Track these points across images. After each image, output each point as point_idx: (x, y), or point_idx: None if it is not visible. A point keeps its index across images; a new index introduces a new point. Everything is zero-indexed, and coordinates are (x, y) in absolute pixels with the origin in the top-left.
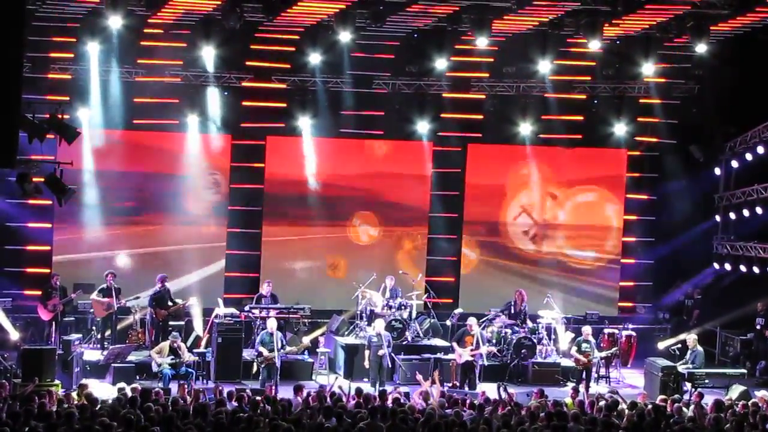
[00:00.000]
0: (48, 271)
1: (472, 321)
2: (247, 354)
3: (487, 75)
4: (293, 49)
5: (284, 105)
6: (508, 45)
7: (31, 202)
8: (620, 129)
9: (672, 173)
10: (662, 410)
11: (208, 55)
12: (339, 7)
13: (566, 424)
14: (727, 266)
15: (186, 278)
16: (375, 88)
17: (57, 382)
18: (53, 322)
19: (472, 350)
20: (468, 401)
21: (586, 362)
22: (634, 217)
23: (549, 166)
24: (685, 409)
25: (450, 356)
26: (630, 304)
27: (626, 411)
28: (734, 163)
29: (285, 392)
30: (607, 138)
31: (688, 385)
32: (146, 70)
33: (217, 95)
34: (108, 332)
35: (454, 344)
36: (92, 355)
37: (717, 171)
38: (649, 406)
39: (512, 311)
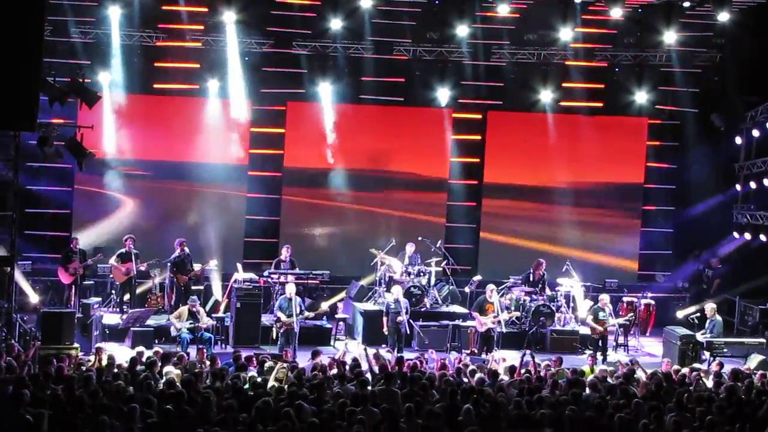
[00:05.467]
0: (68, 234)
1: (490, 288)
2: (266, 319)
3: (508, 42)
4: (314, 14)
5: (305, 71)
6: (529, 12)
7: (51, 165)
8: (641, 97)
9: (693, 142)
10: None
11: (229, 20)
12: None
13: (583, 391)
14: (747, 235)
15: (205, 242)
16: (396, 54)
17: (76, 345)
18: (73, 286)
19: (494, 318)
20: (486, 368)
21: (603, 331)
22: (654, 186)
23: (569, 134)
24: (703, 377)
25: (469, 323)
26: (649, 273)
27: (643, 380)
28: (755, 133)
29: (303, 358)
30: (628, 106)
31: (706, 354)
32: (167, 34)
33: (238, 60)
34: (127, 296)
35: (475, 313)
36: (111, 318)
37: (738, 140)
38: (661, 375)
39: (531, 279)
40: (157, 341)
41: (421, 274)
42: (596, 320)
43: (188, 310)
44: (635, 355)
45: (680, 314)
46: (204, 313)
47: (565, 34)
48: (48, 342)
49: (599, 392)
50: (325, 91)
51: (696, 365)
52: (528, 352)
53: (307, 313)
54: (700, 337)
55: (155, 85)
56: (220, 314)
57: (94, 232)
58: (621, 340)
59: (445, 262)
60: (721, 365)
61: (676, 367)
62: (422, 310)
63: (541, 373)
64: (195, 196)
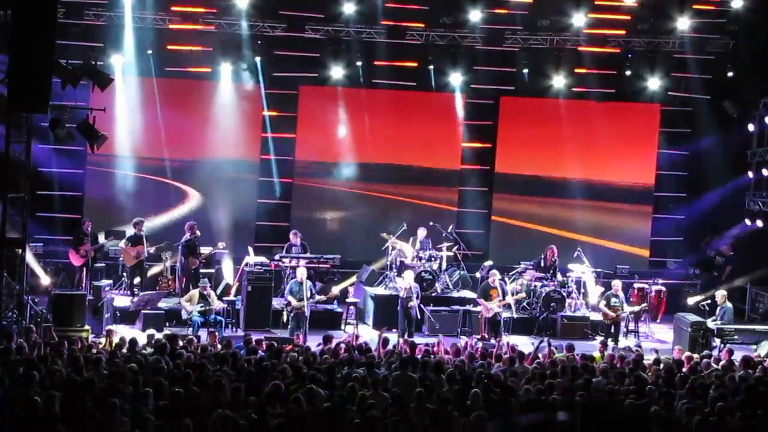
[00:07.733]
0: (79, 216)
1: (493, 273)
2: (277, 303)
3: (521, 28)
4: None
5: (317, 55)
6: None
7: (63, 147)
8: (654, 84)
9: (705, 129)
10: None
11: (242, 3)
12: None
13: (594, 377)
14: (759, 222)
15: (216, 225)
16: (408, 39)
17: (87, 327)
18: (84, 268)
19: (500, 302)
20: (496, 353)
21: (615, 317)
22: (666, 173)
23: (581, 120)
24: (713, 365)
25: (479, 309)
26: (661, 259)
27: (652, 366)
28: None
29: (313, 342)
30: (641, 93)
31: (717, 341)
32: (180, 17)
33: (250, 44)
34: (138, 279)
35: (481, 300)
36: (122, 301)
37: (750, 127)
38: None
39: (542, 265)
40: (168, 324)
41: (432, 259)
42: (608, 306)
43: (199, 293)
44: (645, 341)
45: (690, 301)
46: (215, 297)
47: (578, 19)
48: (59, 324)
49: (610, 378)
50: (338, 75)
51: (707, 352)
52: (546, 339)
53: (317, 297)
54: (710, 323)
55: (167, 68)
56: (231, 297)
57: (105, 213)
58: (632, 326)
59: (456, 247)
60: (731, 352)
61: (687, 353)
62: (433, 295)
63: (553, 359)
64: (207, 179)
